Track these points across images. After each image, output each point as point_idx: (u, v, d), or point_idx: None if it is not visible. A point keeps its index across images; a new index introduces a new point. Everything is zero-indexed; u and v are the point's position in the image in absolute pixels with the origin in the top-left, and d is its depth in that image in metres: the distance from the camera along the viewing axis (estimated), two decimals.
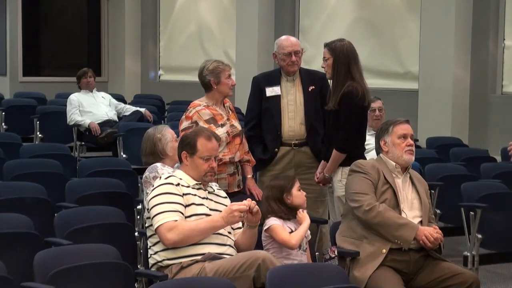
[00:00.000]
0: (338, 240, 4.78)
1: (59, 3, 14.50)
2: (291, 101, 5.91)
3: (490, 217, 6.17)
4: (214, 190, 4.64)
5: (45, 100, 11.50)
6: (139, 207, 5.88)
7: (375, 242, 4.62)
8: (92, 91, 9.57)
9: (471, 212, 6.19)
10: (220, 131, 5.53)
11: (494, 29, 9.80)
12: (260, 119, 5.97)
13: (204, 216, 4.44)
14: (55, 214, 5.33)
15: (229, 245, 4.48)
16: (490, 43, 9.78)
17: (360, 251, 4.62)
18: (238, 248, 4.52)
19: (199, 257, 4.34)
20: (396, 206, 4.71)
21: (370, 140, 6.50)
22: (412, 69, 10.44)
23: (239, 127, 5.77)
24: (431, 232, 4.61)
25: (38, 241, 4.76)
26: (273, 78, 6.01)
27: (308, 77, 5.97)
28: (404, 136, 4.84)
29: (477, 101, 9.77)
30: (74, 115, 9.30)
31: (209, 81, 5.70)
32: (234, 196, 5.29)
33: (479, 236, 6.10)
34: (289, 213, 4.78)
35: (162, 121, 10.11)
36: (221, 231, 4.44)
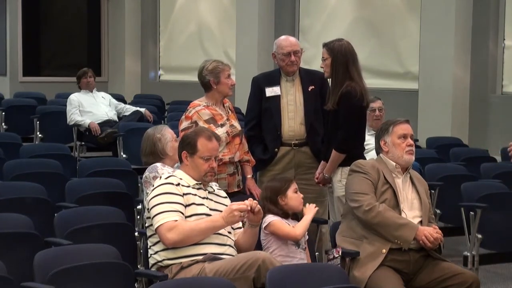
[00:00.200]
0: (338, 240, 4.79)
1: (59, 3, 14.50)
2: (291, 101, 5.91)
3: (490, 217, 6.17)
4: (214, 190, 4.64)
5: (45, 100, 11.50)
6: (139, 207, 5.88)
7: (375, 242, 4.63)
8: (92, 91, 9.57)
9: (471, 212, 6.19)
10: (220, 131, 5.53)
11: (494, 29, 9.80)
12: (260, 119, 5.97)
13: (204, 216, 4.44)
14: (55, 214, 5.33)
15: (229, 245, 4.47)
16: (490, 43, 9.78)
17: (360, 251, 4.62)
18: (239, 247, 4.52)
19: (199, 257, 4.34)
20: (396, 206, 4.71)
21: (370, 140, 6.50)
22: (412, 69, 10.44)
23: (238, 127, 5.77)
24: (431, 232, 4.61)
25: (38, 241, 4.76)
26: (272, 78, 6.01)
27: (308, 77, 5.97)
28: (404, 136, 4.84)
29: (477, 101, 9.77)
30: (74, 115, 9.30)
31: (209, 81, 5.70)
32: (234, 196, 5.29)
33: (479, 236, 6.10)
34: (285, 215, 4.79)
35: (162, 121, 10.12)
36: (221, 231, 4.44)
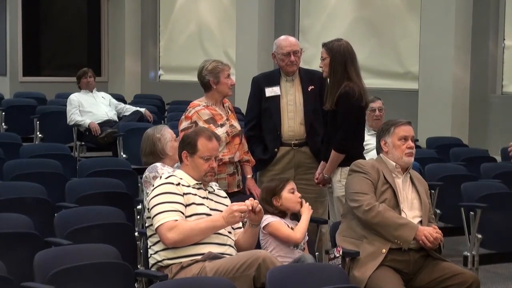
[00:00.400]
0: (338, 240, 4.78)
1: (59, 3, 14.50)
2: (291, 101, 5.91)
3: (490, 217, 6.17)
4: (214, 190, 4.64)
5: (45, 100, 11.50)
6: (139, 207, 5.88)
7: (375, 242, 4.62)
8: (92, 91, 9.57)
9: (471, 212, 6.19)
10: (220, 131, 5.53)
11: (494, 29, 9.80)
12: (260, 119, 5.97)
13: (204, 216, 4.44)
14: (55, 214, 5.33)
15: (229, 245, 4.48)
16: (490, 43, 9.78)
17: (360, 251, 4.62)
18: (239, 247, 4.52)
19: (199, 257, 4.34)
20: (396, 206, 4.71)
21: (370, 140, 6.50)
22: (412, 69, 10.44)
23: (238, 127, 5.77)
24: (431, 232, 4.60)
25: (38, 241, 4.76)
26: (272, 78, 6.01)
27: (308, 77, 5.97)
28: (405, 138, 4.84)
29: (477, 101, 9.77)
30: (74, 115, 9.30)
31: (208, 81, 5.70)
32: (234, 196, 5.29)
33: (479, 236, 6.10)
34: (282, 214, 4.80)
35: (162, 121, 10.12)
36: (221, 231, 4.44)
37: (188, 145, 4.60)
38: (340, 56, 5.42)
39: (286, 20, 11.88)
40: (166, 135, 5.51)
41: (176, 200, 4.41)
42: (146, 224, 4.54)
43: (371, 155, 6.10)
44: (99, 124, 9.19)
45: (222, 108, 5.77)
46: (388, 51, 10.74)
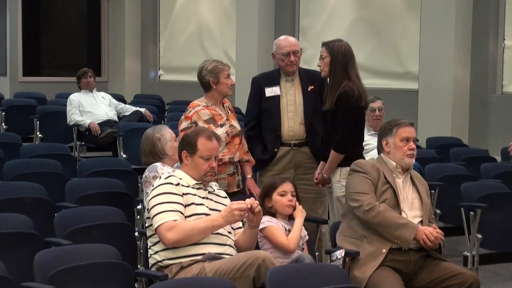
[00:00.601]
0: (338, 239, 4.78)
1: (59, 3, 14.50)
2: (291, 101, 5.91)
3: (490, 217, 6.17)
4: (214, 190, 4.64)
5: (45, 100, 11.50)
6: (139, 207, 5.88)
7: (375, 242, 4.62)
8: (92, 91, 9.57)
9: (471, 212, 6.19)
10: (220, 131, 5.53)
11: (494, 29, 9.80)
12: (260, 119, 5.97)
13: (204, 216, 4.44)
14: (55, 214, 5.32)
15: (229, 245, 4.47)
16: (490, 43, 9.79)
17: (360, 251, 4.62)
18: (239, 248, 4.52)
19: (199, 257, 4.34)
20: (396, 206, 4.71)
21: (369, 140, 6.50)
22: (412, 69, 10.44)
23: (238, 127, 5.77)
24: (431, 231, 4.60)
25: (38, 241, 4.76)
26: (272, 78, 6.01)
27: (307, 77, 5.96)
28: (407, 140, 4.83)
29: (477, 101, 9.77)
30: (74, 115, 9.30)
31: (208, 81, 5.70)
32: (233, 196, 5.29)
33: (479, 236, 6.10)
34: (276, 216, 4.79)
35: (162, 121, 10.12)
36: (221, 231, 4.44)
37: (188, 145, 4.60)
38: (342, 56, 5.41)
39: (286, 20, 11.88)
40: (166, 135, 5.51)
41: (176, 200, 4.40)
42: (146, 224, 4.54)
43: (371, 155, 6.10)
44: (99, 124, 9.19)
45: (222, 108, 5.77)
46: (388, 51, 10.74)
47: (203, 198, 4.52)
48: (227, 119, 5.72)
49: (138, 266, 4.97)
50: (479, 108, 9.77)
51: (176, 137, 5.55)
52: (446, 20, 9.53)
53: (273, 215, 4.81)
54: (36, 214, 5.36)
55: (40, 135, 9.71)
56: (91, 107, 9.38)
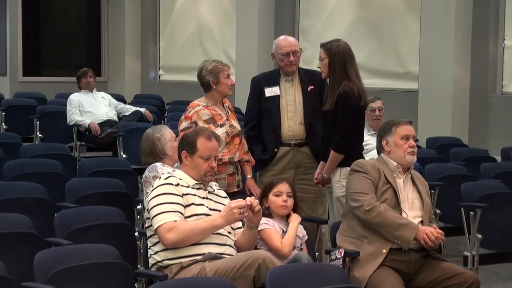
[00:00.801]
0: (338, 239, 4.78)
1: (59, 3, 14.50)
2: (290, 101, 5.91)
3: (490, 217, 6.17)
4: (214, 190, 4.64)
5: (45, 100, 11.50)
6: (139, 207, 5.88)
7: (375, 242, 4.62)
8: (92, 91, 9.57)
9: (471, 212, 6.19)
10: (220, 131, 5.53)
11: (494, 29, 9.81)
12: (260, 119, 5.97)
13: (204, 216, 4.43)
14: (55, 214, 5.33)
15: (229, 245, 4.47)
16: (490, 43, 9.79)
17: (360, 251, 4.62)
18: (238, 248, 4.52)
19: (199, 257, 4.34)
20: (397, 206, 4.70)
21: (369, 140, 6.50)
22: (412, 69, 10.45)
23: (238, 127, 5.77)
24: (432, 231, 4.60)
25: (38, 241, 4.76)
26: (272, 78, 6.01)
27: (307, 77, 5.96)
28: (407, 137, 4.83)
29: (477, 101, 9.77)
30: (74, 115, 9.30)
31: (208, 81, 5.70)
32: (233, 196, 5.28)
33: (479, 236, 6.10)
34: (272, 216, 4.79)
35: (162, 121, 10.12)
36: (221, 231, 4.44)
37: (187, 145, 4.60)
38: (340, 56, 5.41)
39: (286, 20, 11.88)
40: (166, 135, 5.51)
41: (175, 201, 4.40)
42: (146, 225, 4.54)
43: (371, 155, 6.10)
44: (99, 124, 9.19)
45: (222, 108, 5.77)
46: (388, 51, 10.74)
47: (203, 198, 4.52)
48: (227, 119, 5.72)
49: (138, 266, 4.97)
50: (479, 108, 9.77)
51: (176, 137, 5.55)
52: (446, 20, 9.54)
53: (270, 216, 4.81)
54: (36, 214, 5.36)
55: (40, 135, 9.71)
56: (91, 107, 9.38)
